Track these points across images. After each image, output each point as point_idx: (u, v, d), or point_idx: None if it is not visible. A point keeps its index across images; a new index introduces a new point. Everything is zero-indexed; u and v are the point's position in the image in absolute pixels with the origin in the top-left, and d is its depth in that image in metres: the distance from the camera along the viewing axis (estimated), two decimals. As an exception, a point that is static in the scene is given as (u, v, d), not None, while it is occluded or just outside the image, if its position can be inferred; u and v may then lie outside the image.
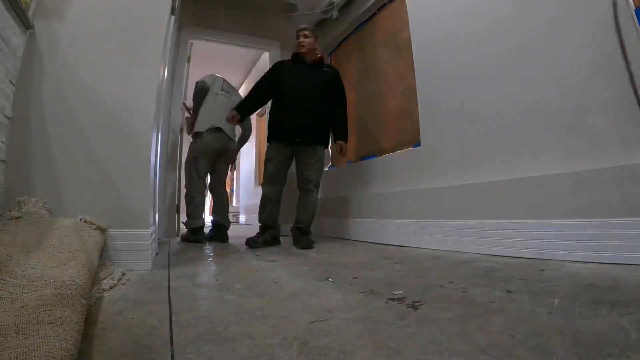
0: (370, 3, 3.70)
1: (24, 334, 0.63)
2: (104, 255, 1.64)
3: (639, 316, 0.84)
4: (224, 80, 3.72)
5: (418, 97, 2.87)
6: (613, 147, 1.64)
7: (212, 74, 3.70)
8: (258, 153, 7.81)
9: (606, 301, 0.99)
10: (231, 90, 3.73)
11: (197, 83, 3.54)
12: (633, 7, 1.59)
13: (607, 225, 1.58)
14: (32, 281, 0.88)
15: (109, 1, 1.90)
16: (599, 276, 1.32)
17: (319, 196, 4.47)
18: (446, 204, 2.47)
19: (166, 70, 2.62)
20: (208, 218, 3.98)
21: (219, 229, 3.44)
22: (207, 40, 4.40)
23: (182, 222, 3.53)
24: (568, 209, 1.75)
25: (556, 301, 1.02)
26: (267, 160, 3.06)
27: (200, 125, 3.36)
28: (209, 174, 3.57)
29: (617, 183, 1.57)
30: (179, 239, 3.50)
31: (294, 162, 3.14)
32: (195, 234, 3.26)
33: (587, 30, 1.76)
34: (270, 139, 3.10)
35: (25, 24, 1.64)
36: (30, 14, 1.66)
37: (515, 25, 2.12)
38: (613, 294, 1.07)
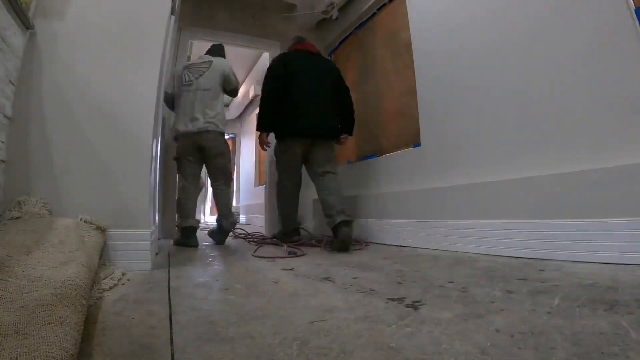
0: (370, 3, 3.70)
1: (24, 334, 0.63)
2: (104, 255, 1.64)
3: (639, 316, 0.84)
4: (184, 67, 3.33)
5: (418, 97, 2.88)
6: (613, 147, 1.64)
7: (176, 69, 3.42)
8: (258, 153, 7.82)
9: (606, 301, 0.99)
10: (194, 73, 3.25)
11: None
12: (633, 7, 1.59)
13: (607, 225, 1.58)
14: (32, 281, 0.88)
15: (109, 1, 1.90)
16: (598, 276, 1.32)
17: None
18: (446, 204, 2.47)
19: (166, 70, 2.62)
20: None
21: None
22: (207, 40, 4.39)
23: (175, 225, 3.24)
24: (568, 209, 1.75)
25: (556, 301, 1.02)
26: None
27: (178, 127, 3.14)
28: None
29: (618, 183, 1.57)
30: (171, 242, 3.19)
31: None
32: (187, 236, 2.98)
33: (589, 30, 1.77)
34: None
35: (25, 24, 1.64)
36: (30, 14, 1.66)
37: (516, 26, 2.12)
38: (613, 294, 1.07)
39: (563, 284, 1.24)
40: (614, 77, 1.65)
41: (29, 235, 1.24)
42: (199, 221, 3.16)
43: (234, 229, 3.33)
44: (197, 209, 3.25)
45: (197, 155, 3.13)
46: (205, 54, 3.43)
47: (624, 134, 1.61)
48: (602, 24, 1.70)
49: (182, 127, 3.06)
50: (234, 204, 9.72)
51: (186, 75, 3.19)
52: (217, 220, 3.21)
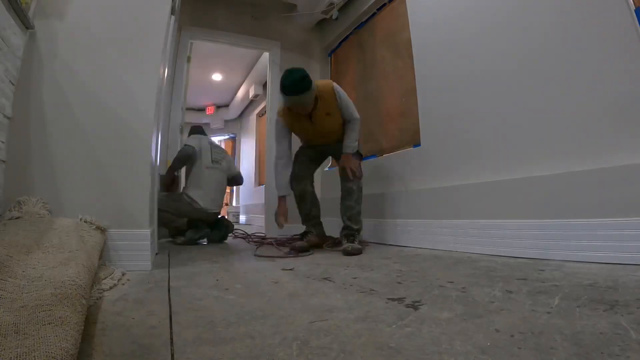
0: (370, 3, 3.70)
1: (24, 334, 0.63)
2: (104, 255, 1.64)
3: (639, 316, 0.84)
4: (211, 144, 3.53)
5: (418, 97, 2.88)
6: (614, 148, 1.64)
7: (199, 137, 3.49)
8: (258, 153, 7.82)
9: (606, 301, 0.99)
10: (219, 155, 3.53)
11: (185, 146, 3.30)
12: (633, 7, 1.59)
13: (607, 225, 1.58)
14: (32, 281, 0.88)
15: (109, 1, 1.90)
16: (598, 276, 1.32)
17: (320, 195, 4.48)
18: (446, 204, 2.47)
19: (166, 70, 2.62)
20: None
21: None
22: (207, 40, 4.40)
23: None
24: (568, 209, 1.75)
25: (556, 301, 1.02)
26: None
27: (199, 201, 3.21)
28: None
29: (617, 183, 1.57)
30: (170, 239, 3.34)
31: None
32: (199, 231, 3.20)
33: (589, 30, 1.77)
34: None
35: (25, 24, 1.64)
36: (30, 14, 1.66)
37: (516, 25, 2.12)
38: (613, 294, 1.07)
39: (563, 283, 1.24)
40: (614, 77, 1.65)
41: (29, 235, 1.24)
42: None
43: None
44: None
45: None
46: (199, 134, 3.62)
47: (624, 134, 1.61)
48: (602, 23, 1.70)
49: (201, 203, 3.22)
50: (233, 203, 9.74)
51: (214, 154, 3.46)
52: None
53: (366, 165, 3.56)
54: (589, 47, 1.75)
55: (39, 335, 0.63)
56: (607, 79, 1.68)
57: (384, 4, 3.60)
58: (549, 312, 0.92)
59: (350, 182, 2.69)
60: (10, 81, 1.59)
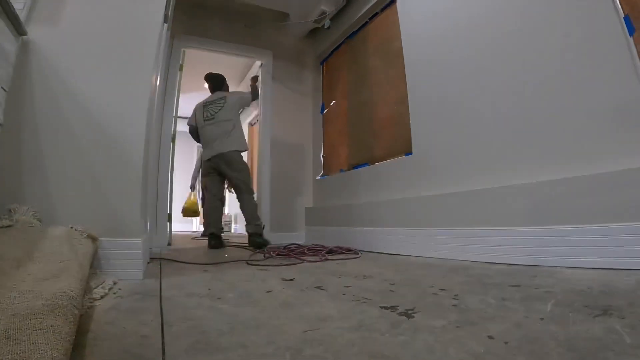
0: (362, 12, 3.74)
1: (15, 340, 0.63)
2: (95, 264, 1.62)
3: (632, 321, 0.84)
4: (204, 104, 3.90)
5: (409, 106, 2.90)
6: (607, 153, 1.66)
7: (196, 106, 3.98)
8: (250, 161, 7.81)
9: (599, 306, 1.00)
10: (214, 108, 3.84)
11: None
12: (622, 15, 1.62)
13: (599, 230, 1.60)
14: (23, 294, 0.86)
15: (102, 9, 1.90)
16: (591, 282, 1.33)
17: (312, 204, 4.48)
18: (438, 212, 2.48)
19: (158, 78, 2.62)
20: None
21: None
22: (199, 48, 4.41)
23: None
24: (560, 215, 1.76)
25: (549, 307, 1.03)
26: None
27: (204, 155, 3.88)
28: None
29: (610, 188, 1.59)
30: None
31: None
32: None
33: (579, 37, 1.79)
34: None
35: (18, 30, 1.63)
36: (23, 20, 1.65)
37: (508, 34, 2.15)
38: (606, 299, 1.08)
39: (556, 290, 1.25)
40: (604, 84, 1.68)
41: (20, 245, 1.22)
42: (221, 228, 3.88)
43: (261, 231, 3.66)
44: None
45: (216, 174, 3.83)
46: (215, 91, 4.04)
47: (615, 141, 1.63)
48: (591, 31, 1.73)
49: (206, 153, 3.80)
50: (226, 211, 9.68)
51: (206, 112, 3.83)
52: (245, 227, 3.69)
53: (359, 173, 3.57)
54: (579, 54, 1.78)
55: (30, 341, 0.63)
56: (597, 85, 1.71)
57: (376, 14, 3.64)
58: (542, 319, 0.93)
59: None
60: (2, 87, 1.58)
